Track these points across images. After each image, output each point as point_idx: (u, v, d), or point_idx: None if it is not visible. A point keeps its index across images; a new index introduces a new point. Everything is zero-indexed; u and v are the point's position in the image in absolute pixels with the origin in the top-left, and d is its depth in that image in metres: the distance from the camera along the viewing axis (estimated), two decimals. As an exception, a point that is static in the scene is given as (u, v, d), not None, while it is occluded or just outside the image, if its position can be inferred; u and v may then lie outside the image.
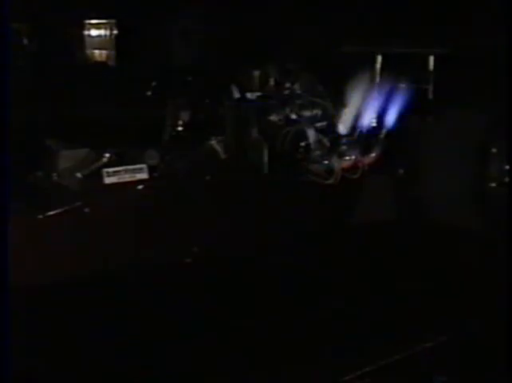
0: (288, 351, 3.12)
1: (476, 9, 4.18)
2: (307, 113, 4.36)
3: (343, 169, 4.25)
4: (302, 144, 4.24)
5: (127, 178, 3.78)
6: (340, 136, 4.33)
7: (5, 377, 2.49)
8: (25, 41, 3.74)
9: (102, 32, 3.93)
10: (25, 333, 2.98)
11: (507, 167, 4.25)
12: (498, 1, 4.10)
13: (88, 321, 3.29)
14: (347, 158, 4.28)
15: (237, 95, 4.04)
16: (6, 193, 2.71)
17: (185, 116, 4.10)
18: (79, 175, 3.74)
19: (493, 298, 3.47)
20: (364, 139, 4.34)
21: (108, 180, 3.75)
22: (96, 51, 3.95)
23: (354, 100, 4.32)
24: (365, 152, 4.33)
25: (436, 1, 4.26)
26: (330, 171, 4.22)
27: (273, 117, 4.28)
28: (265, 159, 4.14)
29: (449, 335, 3.22)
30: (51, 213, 3.55)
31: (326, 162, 4.24)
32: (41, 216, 3.53)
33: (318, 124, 4.34)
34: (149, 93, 4.08)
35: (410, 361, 3.04)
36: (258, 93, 4.38)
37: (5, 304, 2.58)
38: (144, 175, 3.83)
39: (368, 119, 4.36)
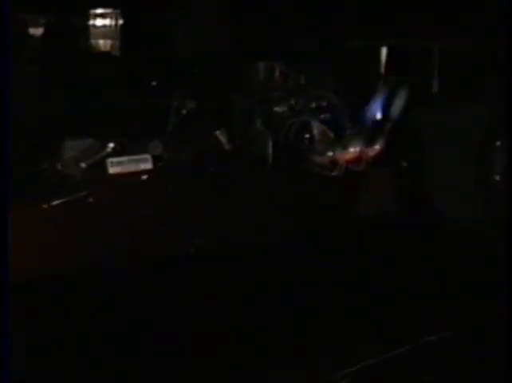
0: (287, 349, 3.13)
1: (476, 8, 4.17)
2: (312, 105, 4.36)
3: (347, 161, 4.26)
4: (307, 135, 4.25)
5: (131, 168, 3.79)
6: (344, 128, 4.33)
7: (4, 377, 2.50)
8: (28, 31, 3.75)
9: (107, 22, 3.93)
10: (26, 327, 2.99)
11: (508, 161, 4.25)
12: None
13: (91, 313, 3.30)
14: (351, 150, 4.29)
15: None
16: (7, 183, 2.72)
17: (189, 106, 4.10)
18: (83, 164, 3.75)
19: (493, 295, 3.47)
20: (368, 131, 4.34)
21: (112, 170, 3.75)
22: (101, 41, 3.95)
23: (358, 92, 4.33)
24: (369, 144, 4.33)
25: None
26: (334, 162, 4.23)
27: (278, 108, 4.28)
28: (270, 150, 4.14)
29: (449, 333, 3.23)
30: (55, 203, 3.56)
31: (330, 154, 4.25)
32: (45, 206, 3.54)
33: (323, 116, 4.34)
34: (154, 83, 4.08)
35: (409, 358, 3.05)
36: (264, 84, 4.38)
37: (6, 297, 2.58)
38: (148, 166, 3.84)
39: (373, 111, 4.36)
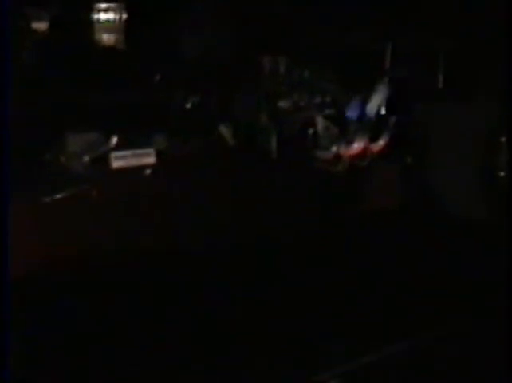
0: (286, 347, 3.12)
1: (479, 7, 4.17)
2: (316, 100, 4.35)
3: (351, 156, 4.25)
4: (311, 130, 4.24)
5: (134, 162, 3.79)
6: (348, 124, 4.32)
7: (4, 377, 2.50)
8: (33, 25, 3.76)
9: (111, 16, 3.93)
10: (27, 321, 2.98)
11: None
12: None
13: (93, 307, 3.29)
14: (355, 145, 4.28)
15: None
16: (6, 177, 2.72)
17: (194, 101, 4.10)
18: (87, 158, 3.75)
19: (496, 291, 3.45)
20: (372, 126, 4.33)
21: (115, 164, 3.75)
22: (105, 35, 3.96)
23: (363, 87, 4.32)
24: (373, 139, 4.32)
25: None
26: (338, 158, 4.22)
27: (283, 103, 4.27)
28: (274, 145, 4.13)
29: (448, 330, 3.21)
30: (59, 196, 3.56)
31: (335, 149, 4.24)
32: (47, 199, 3.54)
33: (327, 111, 4.33)
34: (158, 78, 4.08)
35: (409, 354, 3.03)
36: (268, 79, 4.37)
37: (6, 291, 2.58)
38: (152, 160, 3.83)
39: (377, 107, 4.35)
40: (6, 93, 2.64)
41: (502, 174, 4.32)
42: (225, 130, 4.12)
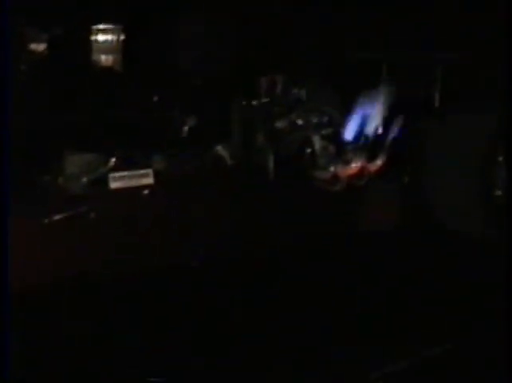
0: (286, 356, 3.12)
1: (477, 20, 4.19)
2: (313, 120, 4.36)
3: (348, 176, 4.26)
4: (308, 150, 4.25)
5: (132, 183, 3.79)
6: (345, 143, 4.33)
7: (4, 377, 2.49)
8: (31, 46, 3.77)
9: (109, 37, 3.95)
10: (25, 339, 2.97)
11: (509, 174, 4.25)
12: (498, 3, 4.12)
13: (92, 328, 3.29)
14: (353, 165, 4.29)
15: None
16: (7, 196, 2.72)
17: (191, 121, 4.11)
18: (85, 179, 3.75)
19: (494, 306, 3.46)
20: (369, 146, 4.34)
21: (113, 185, 3.75)
22: (103, 56, 3.98)
23: (360, 106, 4.33)
24: (371, 158, 4.33)
25: (438, 8, 4.28)
26: (336, 178, 4.23)
27: (280, 123, 4.28)
28: (271, 165, 4.14)
29: (450, 342, 3.22)
30: (56, 217, 3.56)
31: (332, 169, 4.25)
32: (46, 220, 3.54)
33: (324, 131, 4.34)
34: (156, 99, 4.09)
35: (410, 367, 3.04)
36: (265, 99, 4.37)
37: (6, 309, 2.57)
38: (150, 181, 3.84)
39: (374, 126, 4.36)
40: (7, 114, 2.64)
41: (499, 193, 4.34)
42: (223, 150, 4.13)
